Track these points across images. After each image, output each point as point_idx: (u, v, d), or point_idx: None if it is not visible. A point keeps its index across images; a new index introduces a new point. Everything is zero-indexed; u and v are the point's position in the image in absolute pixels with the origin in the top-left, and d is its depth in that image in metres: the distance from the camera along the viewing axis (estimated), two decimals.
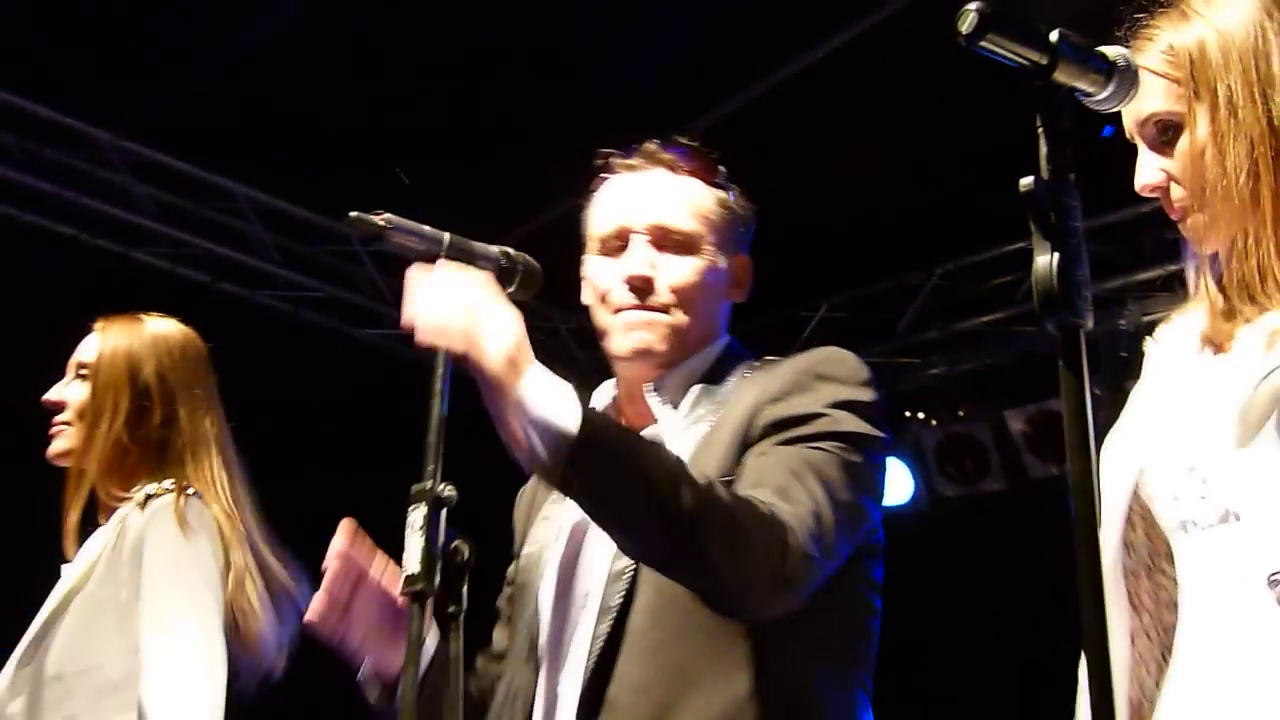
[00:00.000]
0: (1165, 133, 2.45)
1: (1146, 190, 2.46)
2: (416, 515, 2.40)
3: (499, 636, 2.91)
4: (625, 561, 2.61)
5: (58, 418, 3.66)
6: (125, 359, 3.66)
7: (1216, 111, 2.39)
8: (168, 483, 3.57)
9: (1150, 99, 2.43)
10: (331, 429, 6.68)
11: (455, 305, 2.35)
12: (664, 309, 2.77)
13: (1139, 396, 2.57)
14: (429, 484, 2.48)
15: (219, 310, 6.97)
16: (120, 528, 3.53)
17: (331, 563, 2.61)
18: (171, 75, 6.41)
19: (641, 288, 2.76)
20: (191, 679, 3.39)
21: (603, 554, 2.67)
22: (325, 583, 2.59)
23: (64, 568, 3.61)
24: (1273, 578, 2.24)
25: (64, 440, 3.65)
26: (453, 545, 2.49)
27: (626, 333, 2.78)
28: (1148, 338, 2.60)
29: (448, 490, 2.48)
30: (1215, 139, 2.38)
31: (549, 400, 2.37)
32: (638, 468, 2.39)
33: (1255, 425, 2.28)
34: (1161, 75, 2.43)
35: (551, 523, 2.84)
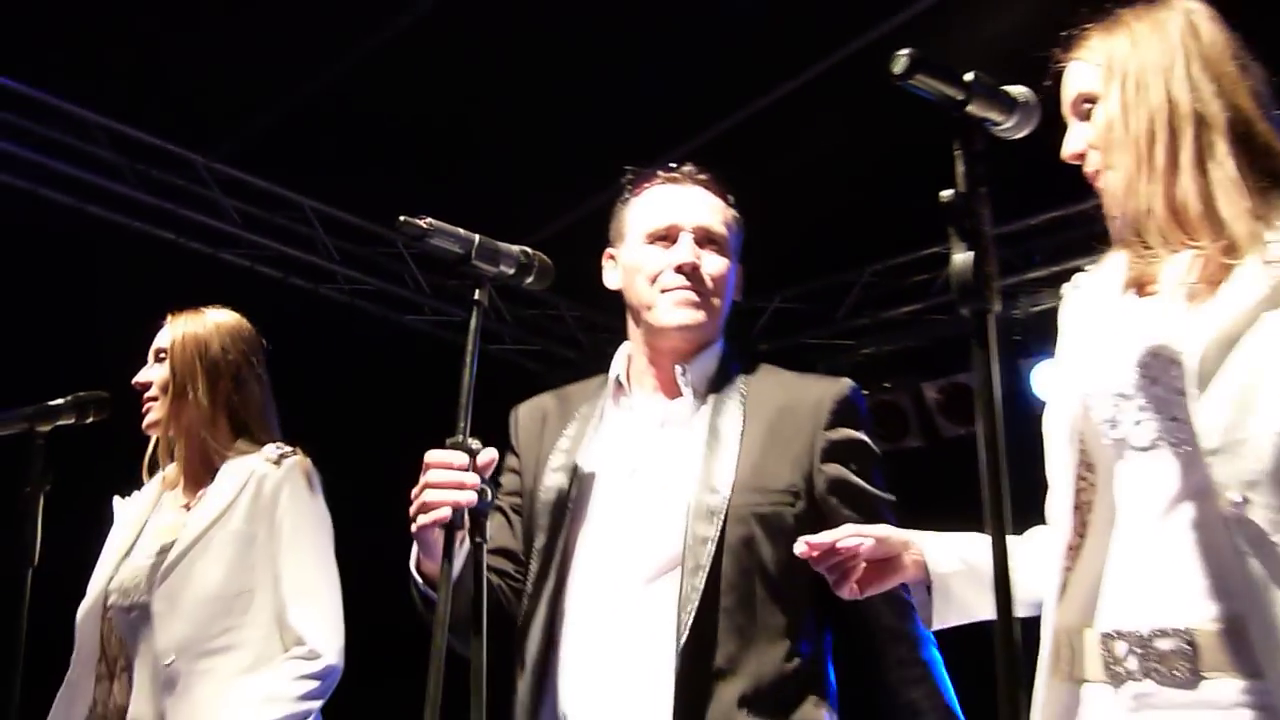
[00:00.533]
0: (1086, 107, 2.45)
1: (1070, 157, 2.46)
2: None
3: (499, 534, 2.83)
4: (710, 530, 2.59)
5: (146, 395, 3.66)
6: (194, 341, 3.66)
7: (1125, 89, 2.39)
8: (287, 447, 3.61)
9: (1077, 81, 2.46)
10: (380, 398, 6.64)
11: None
12: (705, 292, 2.79)
13: (1070, 335, 2.53)
14: (460, 437, 2.48)
15: (290, 301, 6.98)
16: (258, 477, 3.53)
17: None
18: (253, 109, 6.40)
19: (691, 274, 2.78)
20: (324, 611, 3.47)
21: (672, 508, 2.64)
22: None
23: (183, 511, 3.60)
24: (1235, 503, 2.19)
25: (154, 413, 3.65)
26: (480, 488, 2.49)
27: (675, 308, 2.79)
28: (1065, 284, 2.58)
29: (475, 443, 2.48)
30: (1123, 109, 2.38)
31: None
32: None
33: (1208, 374, 2.25)
34: (1086, 61, 2.45)
35: (572, 455, 2.80)
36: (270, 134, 6.55)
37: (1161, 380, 2.30)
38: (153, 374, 3.67)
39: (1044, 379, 6.06)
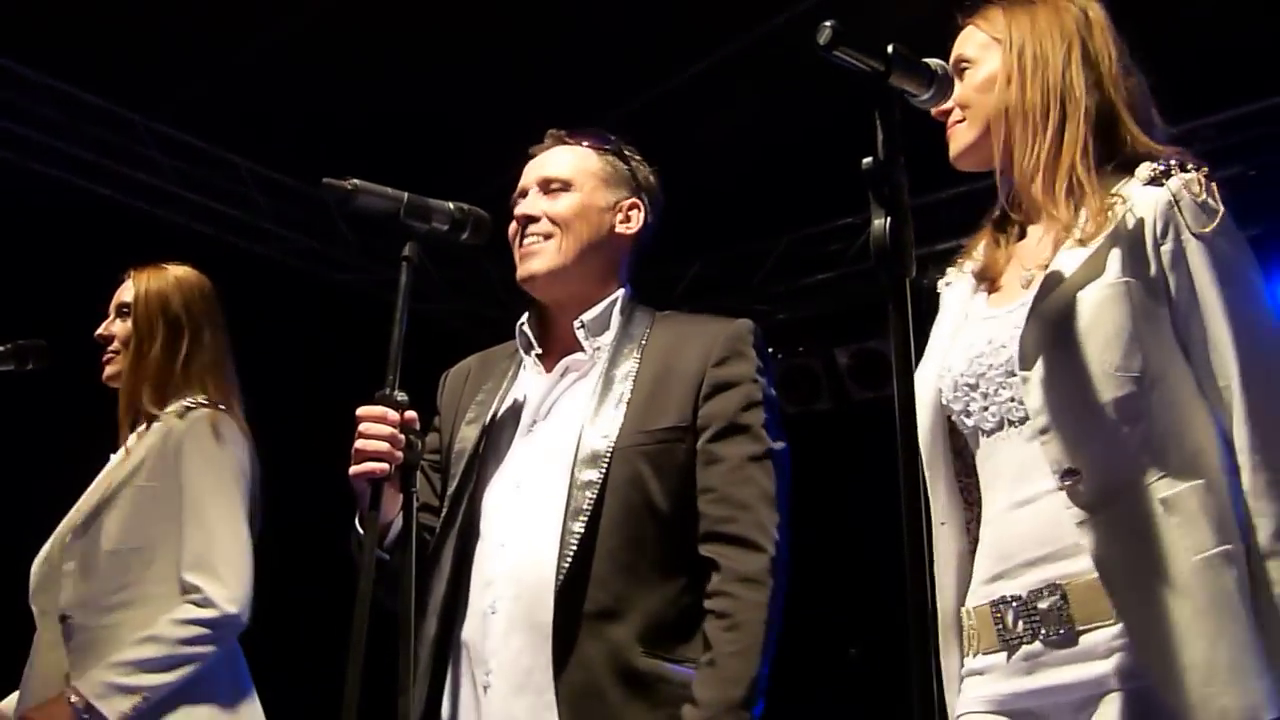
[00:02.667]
0: (960, 70, 2.49)
1: (939, 114, 2.49)
2: None
3: (421, 490, 2.77)
4: (593, 474, 2.57)
5: (109, 348, 3.62)
6: (157, 297, 3.61)
7: (1023, 60, 2.43)
8: (201, 398, 3.53)
9: (963, 44, 2.52)
10: (311, 353, 6.59)
11: None
12: (546, 235, 2.74)
13: (936, 330, 2.58)
14: (388, 390, 2.47)
15: (224, 258, 6.85)
16: (165, 432, 3.47)
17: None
18: (194, 70, 6.31)
19: (525, 223, 2.75)
20: (223, 560, 3.36)
21: (562, 461, 2.62)
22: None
23: (112, 461, 3.56)
24: (1065, 474, 2.27)
25: (114, 365, 3.61)
26: (409, 440, 2.49)
27: (521, 263, 2.77)
28: (940, 280, 2.62)
29: (401, 395, 2.48)
30: (1021, 79, 2.43)
31: None
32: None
33: (1031, 355, 2.31)
34: (981, 29, 2.50)
35: (485, 409, 2.78)
36: (211, 93, 6.47)
37: (996, 365, 2.37)
38: (115, 328, 3.63)
39: None
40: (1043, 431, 2.30)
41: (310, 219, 7.30)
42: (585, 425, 2.63)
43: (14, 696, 3.47)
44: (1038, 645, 2.30)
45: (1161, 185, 2.34)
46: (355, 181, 2.59)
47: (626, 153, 2.89)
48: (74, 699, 3.20)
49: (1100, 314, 2.29)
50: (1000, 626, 2.34)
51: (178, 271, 3.69)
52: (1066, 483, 2.27)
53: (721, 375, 2.65)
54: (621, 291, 2.83)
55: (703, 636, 2.53)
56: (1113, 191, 2.36)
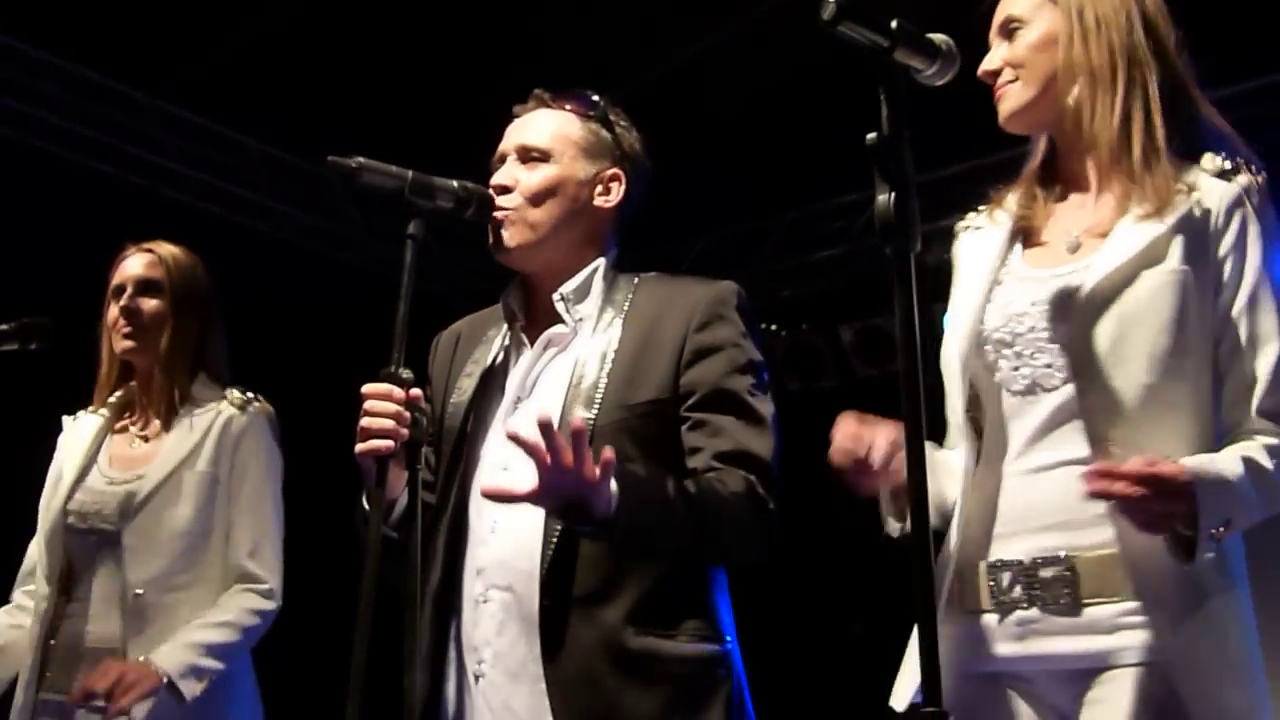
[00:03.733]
0: (1011, 31, 2.46)
1: (985, 74, 2.47)
2: None
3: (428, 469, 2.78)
4: None
5: (129, 322, 3.58)
6: (192, 277, 3.65)
7: (1084, 19, 2.40)
8: (248, 391, 3.62)
9: (1011, 5, 2.47)
10: (315, 332, 6.59)
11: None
12: (513, 209, 2.68)
13: (963, 276, 2.57)
14: (393, 368, 2.47)
15: (227, 236, 6.86)
16: (225, 422, 3.54)
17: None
18: (200, 48, 6.29)
19: (499, 194, 2.69)
20: (275, 554, 3.51)
21: None
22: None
23: (143, 443, 3.59)
24: (1101, 449, 2.29)
25: (135, 341, 3.59)
26: (414, 418, 2.49)
27: (492, 232, 2.71)
28: (961, 225, 2.61)
29: (407, 373, 2.48)
30: (1083, 37, 2.39)
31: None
32: (664, 524, 2.41)
33: (1082, 327, 2.32)
34: None
35: (472, 383, 2.75)
36: (218, 73, 6.45)
37: (1038, 329, 2.36)
38: (144, 303, 3.59)
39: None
40: (1084, 404, 2.30)
41: (314, 197, 7.29)
42: (567, 404, 2.58)
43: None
44: (1035, 612, 2.30)
45: (1230, 181, 2.35)
46: (360, 159, 2.57)
47: (612, 118, 2.81)
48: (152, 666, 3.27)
49: (1158, 299, 2.29)
50: (994, 586, 2.35)
51: (187, 252, 3.70)
52: (1090, 443, 2.29)
53: (703, 340, 2.59)
54: (602, 260, 2.76)
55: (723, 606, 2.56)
56: (1180, 176, 2.35)
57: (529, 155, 2.72)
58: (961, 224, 2.61)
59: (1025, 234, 2.50)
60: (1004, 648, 2.34)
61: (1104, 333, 2.30)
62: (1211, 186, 2.34)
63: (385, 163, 2.61)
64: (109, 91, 6.54)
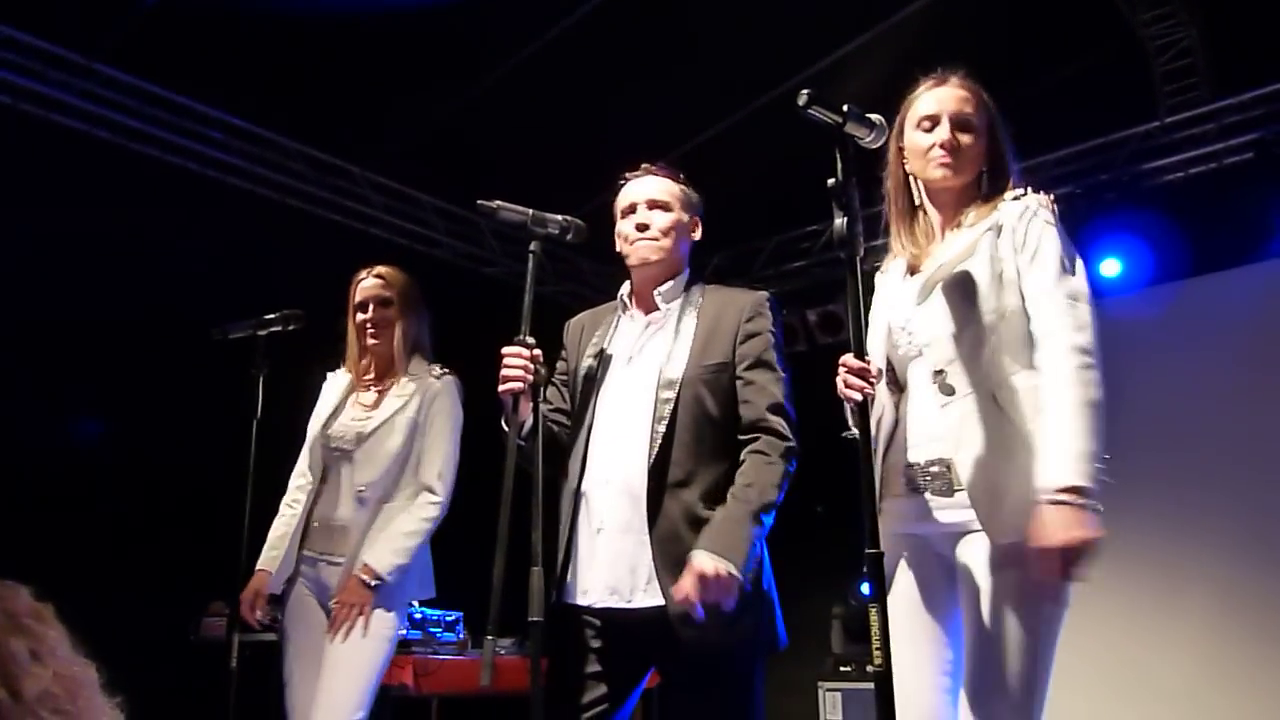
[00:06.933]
0: (964, 124, 2.44)
1: (949, 145, 2.42)
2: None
3: (553, 396, 2.83)
4: (669, 394, 2.58)
5: (377, 319, 3.54)
6: (410, 294, 3.60)
7: (983, 122, 2.43)
8: (440, 366, 3.56)
9: (964, 105, 2.44)
10: (472, 323, 6.57)
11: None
12: (655, 238, 2.73)
13: (880, 300, 2.56)
14: (523, 335, 2.48)
15: (407, 260, 6.78)
16: (424, 384, 3.49)
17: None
18: (400, 128, 6.24)
19: (642, 230, 2.74)
20: (450, 476, 3.44)
21: (650, 385, 2.63)
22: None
23: (378, 395, 3.54)
24: (935, 373, 2.33)
25: (379, 334, 3.54)
26: (535, 367, 2.51)
27: (636, 252, 2.74)
28: (878, 272, 2.61)
29: (530, 339, 2.48)
30: (980, 135, 2.42)
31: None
32: (748, 535, 2.44)
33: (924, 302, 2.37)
34: (966, 94, 2.45)
35: (599, 347, 2.78)
36: (405, 148, 6.42)
37: (911, 314, 2.41)
38: (378, 310, 3.54)
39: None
40: (937, 357, 2.33)
41: (467, 232, 7.29)
42: (663, 362, 2.65)
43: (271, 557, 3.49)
44: (929, 495, 2.31)
45: (1025, 200, 2.37)
46: (499, 202, 2.59)
47: (686, 182, 2.87)
48: (366, 577, 3.26)
49: (969, 275, 2.32)
50: (906, 480, 2.36)
51: (402, 272, 3.64)
52: (935, 382, 2.31)
53: (750, 328, 2.65)
54: (686, 271, 2.82)
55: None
56: (993, 203, 2.40)
57: (656, 204, 2.76)
58: (879, 272, 2.62)
59: (911, 269, 2.50)
60: (914, 522, 2.35)
61: (934, 305, 2.34)
62: (1010, 205, 2.37)
63: (512, 203, 2.63)
64: (335, 168, 6.57)
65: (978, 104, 2.44)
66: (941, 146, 2.41)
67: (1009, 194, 2.40)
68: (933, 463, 2.31)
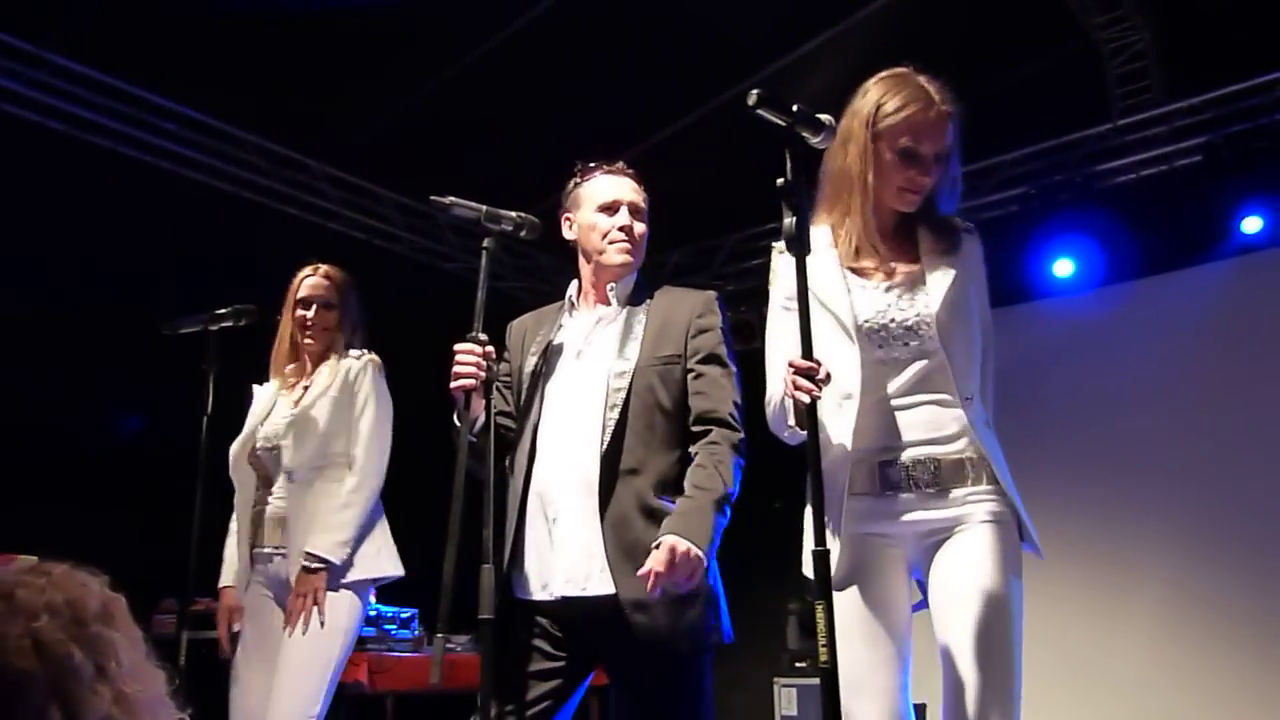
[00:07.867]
0: (944, 157, 2.41)
1: (920, 190, 2.41)
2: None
3: (500, 402, 2.80)
4: (622, 383, 2.60)
5: (315, 320, 3.51)
6: (348, 293, 3.57)
7: (953, 146, 2.41)
8: (363, 350, 3.52)
9: (946, 140, 2.39)
10: (426, 317, 6.54)
11: None
12: (633, 245, 2.77)
13: (814, 281, 2.42)
14: (474, 333, 2.48)
15: (371, 256, 6.81)
16: (345, 366, 3.46)
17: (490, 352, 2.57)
18: (360, 121, 6.21)
19: (626, 232, 2.76)
20: (379, 451, 3.40)
21: (602, 375, 2.65)
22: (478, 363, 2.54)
23: (302, 390, 3.50)
24: (965, 396, 2.36)
25: (316, 334, 3.52)
26: (486, 365, 2.50)
27: (617, 253, 2.76)
28: (775, 250, 2.58)
29: (483, 336, 2.48)
30: (945, 162, 2.42)
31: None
32: (709, 523, 2.48)
33: (944, 319, 2.40)
34: (950, 119, 2.39)
35: (542, 343, 2.78)
36: (363, 143, 6.37)
37: (899, 320, 2.38)
38: (320, 312, 3.52)
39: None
40: (950, 365, 2.35)
41: (426, 227, 7.24)
42: (615, 353, 2.67)
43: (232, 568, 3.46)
44: (910, 495, 2.31)
45: (973, 234, 2.47)
46: (452, 198, 2.60)
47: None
48: (308, 562, 3.21)
49: (963, 297, 2.38)
50: (881, 478, 2.34)
51: (343, 272, 3.61)
52: (965, 399, 2.32)
53: (702, 323, 2.70)
54: (637, 271, 2.84)
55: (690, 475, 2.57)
56: (949, 230, 2.46)
57: (636, 211, 2.79)
58: (776, 250, 2.58)
59: (856, 269, 2.47)
60: (880, 522, 2.34)
61: (953, 319, 2.37)
62: (969, 238, 2.47)
63: (468, 199, 2.62)
64: (293, 162, 6.50)
65: (955, 127, 2.39)
66: (915, 191, 2.40)
67: (960, 224, 2.48)
68: (919, 462, 2.31)
